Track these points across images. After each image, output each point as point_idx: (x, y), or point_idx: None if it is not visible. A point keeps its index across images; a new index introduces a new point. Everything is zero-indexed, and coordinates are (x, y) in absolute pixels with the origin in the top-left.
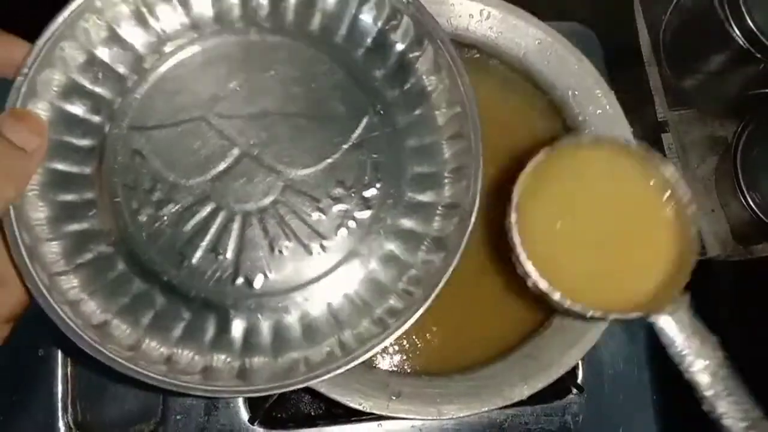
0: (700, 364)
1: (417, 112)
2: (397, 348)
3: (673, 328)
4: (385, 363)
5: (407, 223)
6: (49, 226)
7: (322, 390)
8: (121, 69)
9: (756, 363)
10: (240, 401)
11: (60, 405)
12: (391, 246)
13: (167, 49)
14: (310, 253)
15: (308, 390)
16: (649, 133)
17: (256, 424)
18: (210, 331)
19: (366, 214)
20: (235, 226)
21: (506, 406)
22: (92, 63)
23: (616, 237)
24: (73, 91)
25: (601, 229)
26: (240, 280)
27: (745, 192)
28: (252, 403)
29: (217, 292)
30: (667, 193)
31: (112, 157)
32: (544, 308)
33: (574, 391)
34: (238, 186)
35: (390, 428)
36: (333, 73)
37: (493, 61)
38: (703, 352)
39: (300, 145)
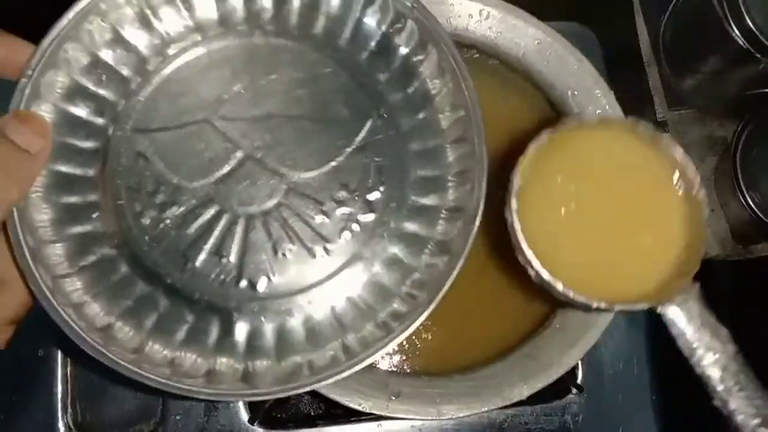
0: (711, 358)
1: (421, 115)
2: (396, 348)
3: (683, 319)
4: (384, 363)
5: (411, 226)
6: (52, 228)
7: (322, 390)
8: (125, 71)
9: (756, 363)
10: (240, 401)
11: (60, 405)
12: (395, 249)
13: (171, 51)
14: (314, 256)
15: (308, 390)
16: None
17: (255, 424)
18: (213, 334)
19: (370, 218)
20: (239, 229)
21: (506, 406)
22: (96, 65)
23: (622, 223)
24: (76, 93)
25: (606, 214)
26: (243, 283)
27: (745, 192)
28: (252, 404)
29: (221, 294)
30: (676, 176)
31: (116, 159)
32: (545, 305)
33: (574, 391)
34: (242, 189)
35: (390, 428)
36: (337, 76)
37: (493, 61)
38: (714, 344)
39: (304, 148)
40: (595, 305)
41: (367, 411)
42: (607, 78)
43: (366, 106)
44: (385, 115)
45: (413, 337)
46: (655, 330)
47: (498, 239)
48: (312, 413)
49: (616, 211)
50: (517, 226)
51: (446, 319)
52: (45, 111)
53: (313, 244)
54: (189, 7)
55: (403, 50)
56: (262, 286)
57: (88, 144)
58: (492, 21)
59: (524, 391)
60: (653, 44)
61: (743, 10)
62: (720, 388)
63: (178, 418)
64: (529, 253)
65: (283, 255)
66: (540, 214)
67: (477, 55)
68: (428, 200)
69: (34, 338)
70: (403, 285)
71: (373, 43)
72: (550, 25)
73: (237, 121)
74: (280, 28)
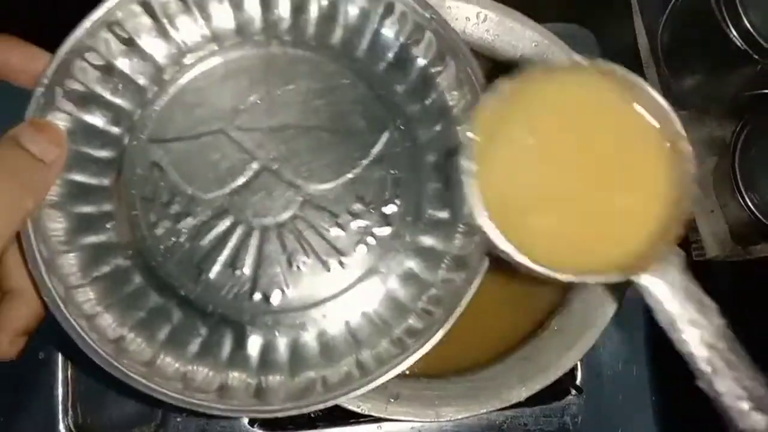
0: (696, 335)
1: (438, 127)
2: None
3: (663, 291)
4: None
5: (427, 240)
6: (66, 238)
7: None
8: (141, 80)
9: (755, 363)
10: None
11: (60, 408)
12: (411, 264)
13: (187, 60)
14: (329, 269)
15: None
16: None
17: (255, 426)
18: (226, 347)
19: (386, 231)
20: (253, 241)
21: (505, 408)
22: (112, 74)
23: (597, 182)
24: (92, 101)
25: (579, 172)
26: (257, 296)
27: (744, 193)
28: None
29: (235, 307)
30: (658, 126)
31: (131, 169)
32: (544, 306)
33: (573, 392)
34: (257, 200)
35: (389, 430)
36: (354, 87)
37: (490, 64)
38: (700, 320)
39: (320, 160)
40: (558, 276)
41: (366, 413)
42: None
43: (383, 117)
44: (402, 127)
45: None
46: (654, 330)
47: None
48: (312, 415)
49: (591, 169)
50: (473, 190)
51: None
52: (60, 120)
53: (327, 257)
54: (206, 17)
55: (421, 62)
56: (276, 299)
57: (103, 153)
58: (489, 24)
59: (522, 393)
60: (651, 45)
61: (741, 11)
62: (707, 368)
63: (178, 420)
64: (483, 218)
65: (298, 268)
66: (502, 177)
67: None
68: (445, 214)
69: (35, 341)
70: (419, 300)
71: (390, 55)
72: (548, 26)
73: (253, 131)
74: (297, 39)
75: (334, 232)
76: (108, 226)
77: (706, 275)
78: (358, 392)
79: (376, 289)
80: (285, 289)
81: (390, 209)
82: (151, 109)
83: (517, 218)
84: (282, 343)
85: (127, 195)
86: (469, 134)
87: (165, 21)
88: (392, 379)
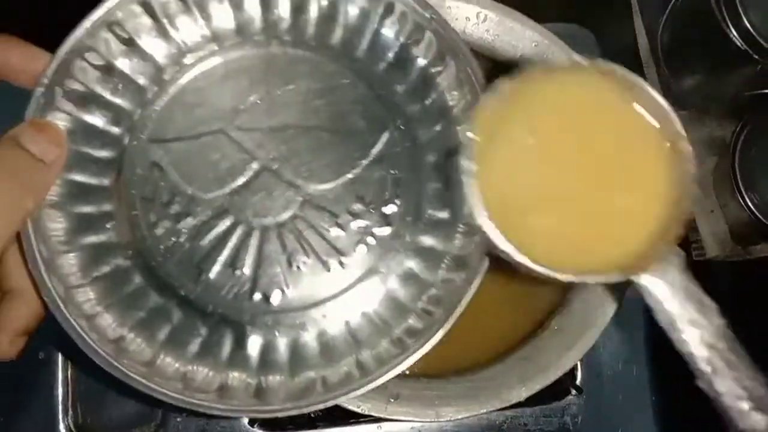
0: (696, 335)
1: (438, 127)
2: None
3: (662, 291)
4: None
5: (427, 240)
6: (66, 238)
7: None
8: (141, 80)
9: (755, 364)
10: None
11: (60, 408)
12: (411, 264)
13: (187, 60)
14: (329, 269)
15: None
16: None
17: (255, 426)
18: (227, 347)
19: (386, 231)
20: (253, 241)
21: (505, 408)
22: (112, 74)
23: (597, 182)
24: (92, 101)
25: (579, 173)
26: (257, 296)
27: (744, 193)
28: None
29: (235, 307)
30: (658, 126)
31: (131, 169)
32: (544, 306)
33: (573, 392)
34: (257, 200)
35: (389, 430)
36: (354, 87)
37: (490, 64)
38: (700, 320)
39: (320, 160)
40: (558, 276)
41: (366, 413)
42: None
43: (383, 117)
44: (402, 127)
45: None
46: (654, 330)
47: None
48: (312, 415)
49: (591, 169)
50: (473, 190)
51: None
52: (60, 120)
53: (327, 257)
54: (206, 17)
55: (421, 62)
56: (276, 299)
57: (103, 153)
58: (489, 24)
59: (522, 393)
60: (651, 45)
61: (741, 11)
62: (707, 368)
63: (178, 420)
64: (482, 218)
65: (298, 268)
66: (502, 177)
67: None
68: (445, 214)
69: (35, 341)
70: (419, 300)
71: (391, 54)
72: (548, 26)
73: (253, 131)
74: (297, 39)
75: (334, 232)
76: (108, 226)
77: (706, 275)
78: (358, 392)
79: (376, 289)
80: (285, 289)
81: (390, 209)
82: (151, 109)
83: (517, 218)
84: (282, 343)
85: (127, 195)
86: (469, 134)
87: (165, 21)
88: (392, 379)
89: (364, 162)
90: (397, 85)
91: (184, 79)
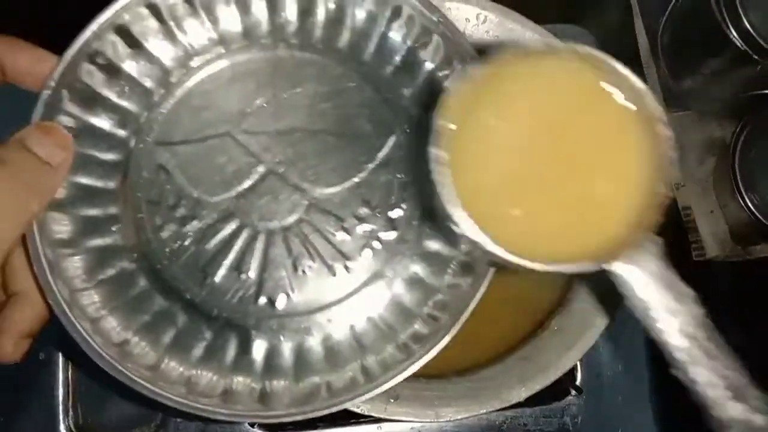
0: (673, 324)
1: None
2: None
3: (638, 279)
4: None
5: (433, 245)
6: (71, 241)
7: None
8: (148, 83)
9: (755, 364)
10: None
11: (61, 408)
12: (417, 268)
13: (194, 63)
14: (334, 273)
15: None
16: None
17: (255, 426)
18: (231, 351)
19: (391, 235)
20: (259, 245)
21: (505, 408)
22: (119, 77)
23: (572, 167)
24: (99, 104)
25: (554, 159)
26: (262, 300)
27: (744, 193)
28: None
29: (240, 311)
30: (635, 109)
31: (137, 172)
32: (543, 307)
33: (573, 392)
34: (263, 204)
35: (389, 430)
36: (361, 91)
37: None
38: (678, 309)
39: (326, 164)
40: (533, 266)
41: (366, 413)
42: None
43: (390, 121)
44: (409, 131)
45: None
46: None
47: None
48: None
49: (565, 155)
50: (444, 179)
51: None
52: (67, 122)
53: (333, 261)
54: (213, 20)
55: (429, 65)
56: (281, 303)
57: (109, 156)
58: (489, 25)
59: (522, 394)
60: (651, 46)
61: (741, 12)
62: (685, 358)
63: (178, 420)
64: (455, 208)
65: (303, 272)
66: (474, 165)
67: None
68: None
69: (36, 342)
70: (425, 306)
71: (398, 58)
72: (548, 27)
73: (259, 135)
74: (304, 42)
75: (340, 236)
76: (113, 228)
77: (706, 275)
78: (363, 398)
79: (382, 294)
80: (290, 293)
81: (396, 213)
82: (157, 112)
83: (490, 207)
84: (287, 348)
85: (132, 198)
86: (439, 122)
87: (172, 24)
88: None
89: (371, 166)
90: (404, 88)
91: (191, 82)
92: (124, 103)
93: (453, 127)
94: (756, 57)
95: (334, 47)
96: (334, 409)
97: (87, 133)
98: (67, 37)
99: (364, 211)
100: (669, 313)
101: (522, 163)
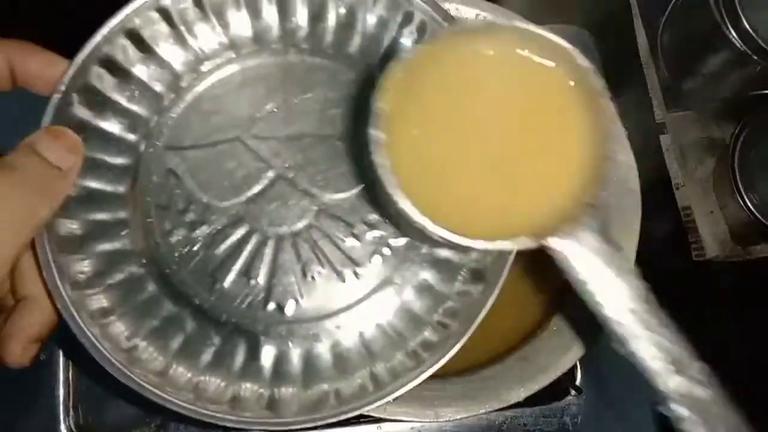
0: (612, 298)
1: None
2: None
3: (578, 254)
4: None
5: (443, 251)
6: (80, 245)
7: None
8: (158, 87)
9: (755, 364)
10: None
11: (62, 408)
12: (427, 275)
13: (205, 68)
14: (343, 279)
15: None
16: (648, 134)
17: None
18: (240, 357)
19: (401, 242)
20: (268, 250)
21: (504, 408)
22: (129, 81)
23: (511, 145)
24: (109, 108)
25: (492, 136)
26: (271, 306)
27: (743, 193)
28: None
29: (248, 317)
30: (574, 84)
31: (147, 176)
32: (543, 307)
33: (573, 392)
34: (273, 209)
35: (389, 430)
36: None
37: None
38: (618, 283)
39: (336, 169)
40: (474, 245)
41: (366, 413)
42: (605, 80)
43: None
44: None
45: None
46: None
47: None
48: None
49: (505, 132)
50: (382, 161)
51: None
52: (77, 126)
53: (342, 267)
54: (224, 25)
55: None
56: (290, 309)
57: (119, 160)
58: None
59: (521, 394)
60: (651, 46)
61: (740, 12)
62: (623, 331)
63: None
64: (394, 189)
65: (312, 278)
66: (414, 145)
67: None
68: None
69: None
70: (434, 313)
71: None
72: (547, 28)
73: (269, 140)
74: (315, 47)
75: (350, 242)
76: (122, 233)
77: (706, 275)
78: (371, 406)
79: (391, 301)
80: (299, 299)
81: None
82: (167, 117)
83: (431, 187)
84: (295, 354)
85: (142, 202)
86: (378, 103)
87: (183, 28)
88: None
89: None
90: None
91: (201, 87)
92: (134, 108)
93: (391, 108)
94: (755, 57)
95: (344, 52)
96: (342, 417)
97: (97, 137)
98: (77, 41)
99: (373, 217)
100: (608, 288)
101: (461, 143)
